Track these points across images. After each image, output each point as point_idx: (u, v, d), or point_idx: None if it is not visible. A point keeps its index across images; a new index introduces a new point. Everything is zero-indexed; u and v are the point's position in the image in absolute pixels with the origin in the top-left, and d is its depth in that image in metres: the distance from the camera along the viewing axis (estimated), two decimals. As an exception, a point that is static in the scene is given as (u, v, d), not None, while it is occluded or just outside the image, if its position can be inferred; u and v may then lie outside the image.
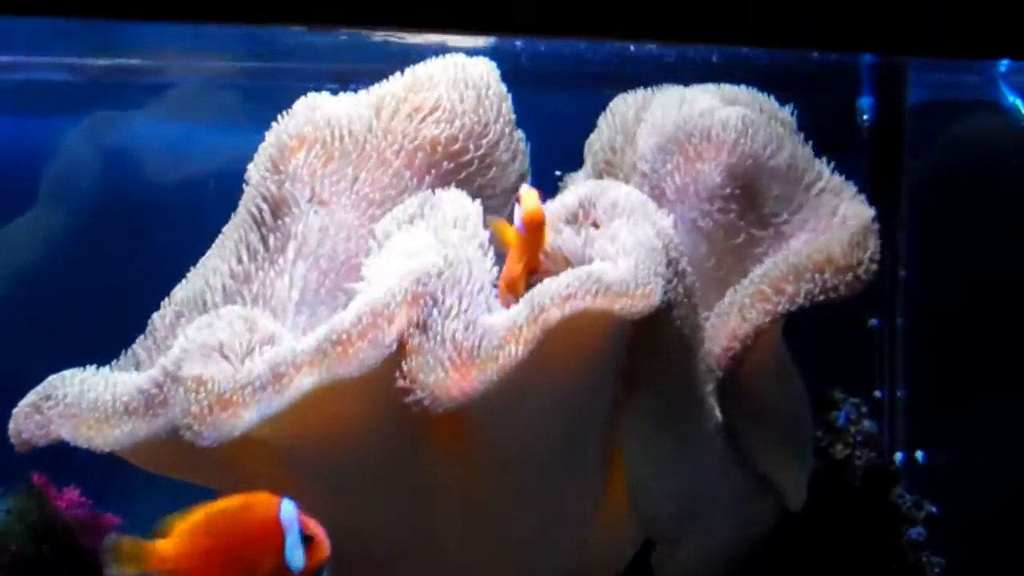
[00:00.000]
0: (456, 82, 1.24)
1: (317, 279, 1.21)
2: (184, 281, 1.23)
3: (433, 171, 1.24)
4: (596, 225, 1.11)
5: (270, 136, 1.24)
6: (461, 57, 1.27)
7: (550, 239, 1.11)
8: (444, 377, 0.99)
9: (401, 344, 1.00)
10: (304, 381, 0.98)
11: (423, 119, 1.24)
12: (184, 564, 0.98)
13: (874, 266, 1.18)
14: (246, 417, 0.98)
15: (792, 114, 1.30)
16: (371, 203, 1.22)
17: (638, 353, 1.11)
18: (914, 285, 1.71)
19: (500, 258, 1.11)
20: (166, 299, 1.23)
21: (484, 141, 1.25)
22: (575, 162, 1.37)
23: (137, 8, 1.19)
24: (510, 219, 1.15)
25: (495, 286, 1.09)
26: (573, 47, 1.47)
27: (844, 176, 1.27)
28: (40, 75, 1.54)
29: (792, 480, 1.27)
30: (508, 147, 1.27)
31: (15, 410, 1.12)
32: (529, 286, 1.05)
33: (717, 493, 1.22)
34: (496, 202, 1.26)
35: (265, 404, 0.98)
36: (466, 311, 1.02)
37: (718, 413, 1.18)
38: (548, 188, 1.24)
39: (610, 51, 1.49)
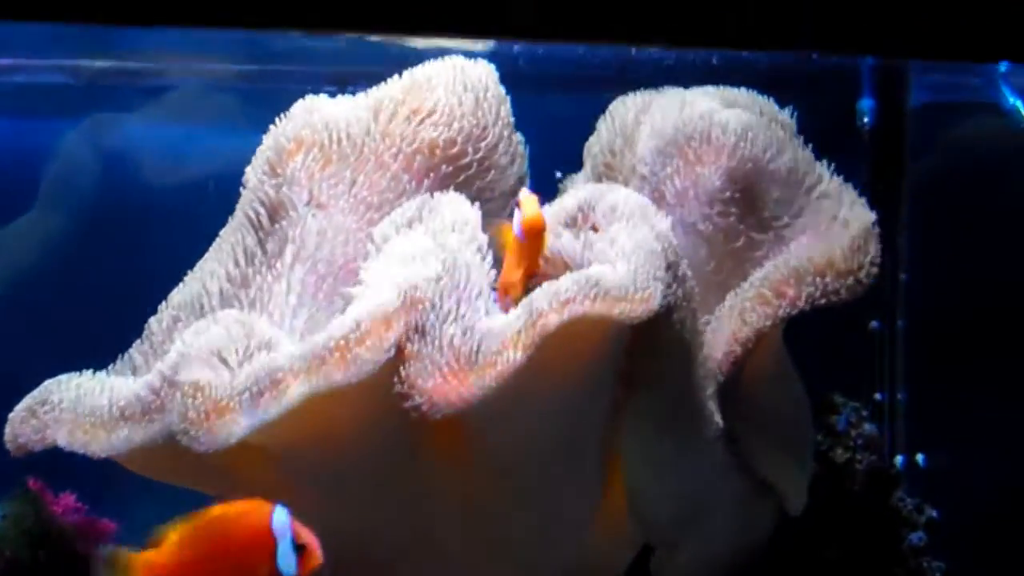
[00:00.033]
0: (454, 85, 1.24)
1: (315, 283, 1.20)
2: (181, 285, 1.23)
3: (431, 174, 1.23)
4: (595, 229, 1.11)
5: (267, 139, 1.24)
6: (460, 59, 1.26)
7: (549, 242, 1.11)
8: (442, 383, 0.99)
9: (399, 349, 1.00)
10: (301, 388, 0.98)
11: (421, 122, 1.24)
12: (177, 574, 0.97)
13: (875, 269, 1.18)
14: (243, 423, 0.97)
15: (792, 116, 1.30)
16: (369, 206, 1.22)
17: (637, 357, 1.11)
18: (915, 287, 1.71)
19: (499, 262, 1.11)
20: (163, 303, 1.22)
21: (483, 144, 1.24)
22: (574, 165, 1.36)
23: (136, 14, 1.19)
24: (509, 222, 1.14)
25: (494, 290, 1.09)
26: (572, 49, 1.47)
27: (844, 178, 1.27)
28: (38, 77, 1.54)
29: (792, 484, 1.27)
30: (507, 150, 1.26)
31: (11, 415, 1.12)
32: (528, 290, 1.05)
33: (716, 497, 1.22)
34: (495, 205, 1.25)
35: (262, 410, 0.98)
36: (464, 316, 1.02)
37: (718, 417, 1.18)
38: (547, 191, 1.23)
39: (609, 54, 1.49)
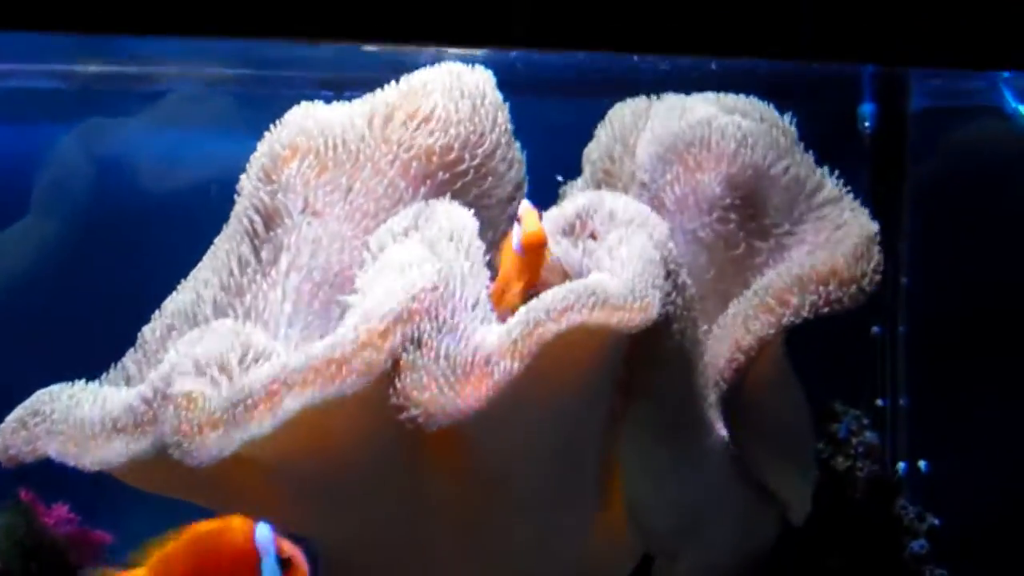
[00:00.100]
0: (451, 91, 1.23)
1: (310, 291, 1.19)
2: (175, 293, 1.22)
3: (428, 181, 1.22)
4: (594, 236, 1.10)
5: (262, 146, 1.23)
6: (457, 65, 1.25)
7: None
8: (438, 394, 0.97)
9: (394, 360, 0.99)
10: (296, 400, 0.96)
11: (418, 128, 1.23)
12: None
13: (877, 277, 1.18)
14: (236, 437, 0.96)
15: (792, 122, 1.29)
16: (365, 214, 1.21)
17: (636, 366, 1.10)
18: (916, 292, 1.71)
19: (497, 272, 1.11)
20: (157, 311, 1.21)
21: (480, 151, 1.23)
22: (573, 171, 1.36)
23: (133, 23, 1.20)
24: (509, 228, 1.14)
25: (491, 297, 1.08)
26: (571, 55, 1.46)
27: (845, 183, 1.27)
28: (31, 83, 1.53)
29: (795, 492, 1.26)
30: (504, 157, 1.25)
31: (2, 425, 1.11)
32: (526, 298, 1.04)
33: (717, 506, 1.21)
34: (492, 212, 1.24)
35: (256, 423, 0.97)
36: (460, 326, 1.01)
37: (719, 426, 1.18)
38: (545, 197, 1.23)
39: (609, 60, 1.48)
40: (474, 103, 1.23)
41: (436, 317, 1.00)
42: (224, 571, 0.97)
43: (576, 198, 1.14)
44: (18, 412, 1.11)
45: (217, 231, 1.24)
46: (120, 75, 1.54)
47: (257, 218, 1.21)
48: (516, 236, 1.09)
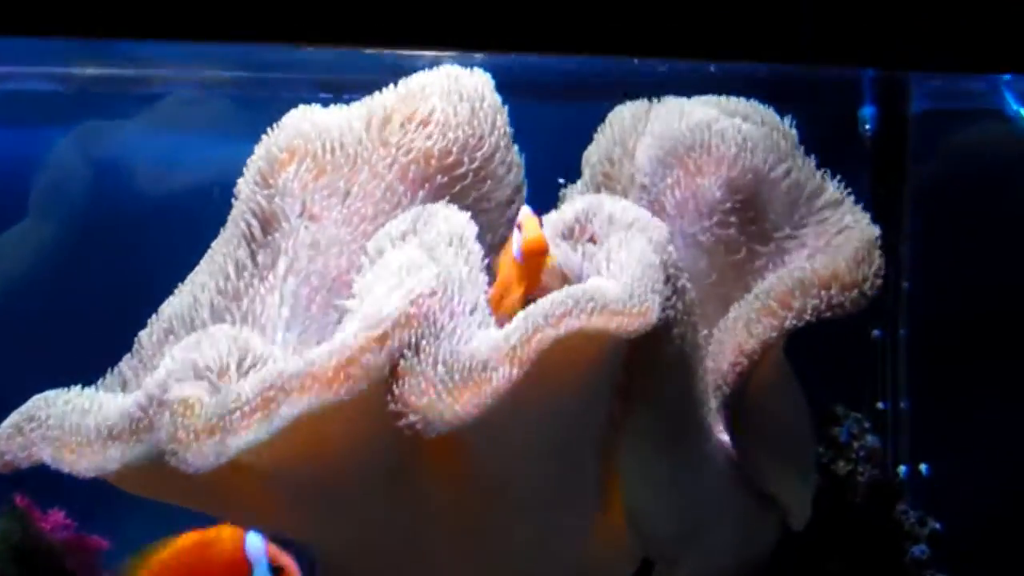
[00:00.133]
0: (450, 94, 1.22)
1: (308, 295, 1.19)
2: (172, 297, 1.22)
3: (427, 185, 1.22)
4: (593, 240, 1.10)
5: (259, 149, 1.23)
6: (455, 68, 1.25)
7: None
8: (437, 400, 0.97)
9: (392, 366, 0.99)
10: (293, 407, 0.96)
11: (416, 132, 1.22)
12: None
13: (879, 281, 1.17)
14: (233, 444, 0.96)
15: (793, 125, 1.29)
16: (363, 218, 1.21)
17: (636, 371, 1.09)
18: (917, 295, 1.71)
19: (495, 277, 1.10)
20: (153, 316, 1.21)
21: (479, 154, 1.23)
22: (571, 175, 1.35)
23: (130, 28, 1.20)
24: (508, 231, 1.13)
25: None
26: (570, 58, 1.45)
27: (846, 186, 1.26)
28: (29, 85, 1.53)
29: (795, 497, 1.26)
30: (503, 160, 1.25)
31: (-2, 430, 1.11)
32: (525, 303, 1.03)
33: (717, 512, 1.21)
34: (491, 216, 1.24)
35: (253, 430, 0.96)
36: (459, 331, 1.00)
37: (718, 431, 1.17)
38: (544, 200, 1.23)
39: (609, 63, 1.47)
40: (473, 106, 1.23)
41: (434, 322, 1.00)
42: None
43: (575, 202, 1.14)
44: (14, 417, 1.10)
45: (215, 234, 1.24)
46: (117, 78, 1.53)
47: (254, 222, 1.20)
48: (516, 243, 1.08)
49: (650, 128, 1.27)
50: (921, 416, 1.70)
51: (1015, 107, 1.67)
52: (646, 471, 1.13)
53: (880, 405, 1.69)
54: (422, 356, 0.98)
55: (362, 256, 1.12)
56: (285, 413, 0.96)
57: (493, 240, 1.21)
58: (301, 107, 1.24)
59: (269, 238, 1.20)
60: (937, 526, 1.45)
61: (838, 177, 1.27)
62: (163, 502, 1.14)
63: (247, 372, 1.03)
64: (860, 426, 1.46)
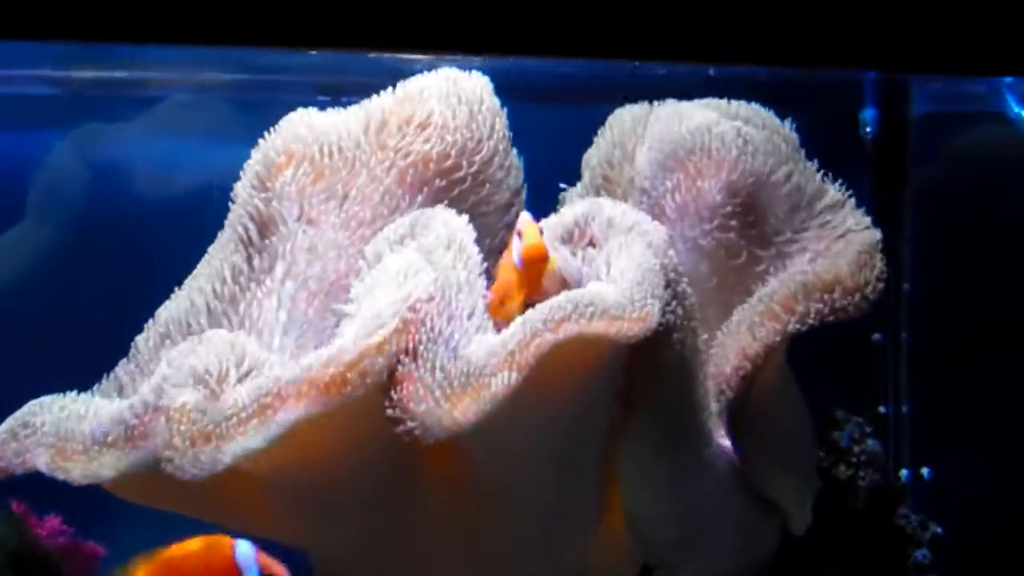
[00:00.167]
0: (448, 97, 1.22)
1: (306, 300, 1.19)
2: (169, 301, 1.21)
3: (425, 188, 1.22)
4: (593, 244, 1.10)
5: (256, 153, 1.22)
6: (453, 71, 1.25)
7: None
8: (435, 406, 0.96)
9: (390, 372, 0.98)
10: (290, 413, 0.96)
11: (414, 135, 1.22)
12: None
13: (881, 285, 1.18)
14: (229, 452, 0.95)
15: (794, 128, 1.29)
16: (361, 222, 1.20)
17: (636, 376, 1.09)
18: (918, 299, 1.71)
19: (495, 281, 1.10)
20: (150, 320, 1.20)
21: (477, 158, 1.23)
22: (571, 178, 1.35)
23: (129, 32, 1.20)
24: (507, 235, 1.13)
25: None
26: (570, 61, 1.45)
27: (847, 189, 1.26)
28: (27, 89, 1.53)
29: (796, 502, 1.26)
30: (502, 164, 1.24)
31: (-8, 437, 1.10)
32: (524, 308, 1.03)
33: (718, 517, 1.21)
34: (490, 219, 1.24)
35: (250, 437, 0.96)
36: (457, 336, 1.00)
37: (718, 436, 1.17)
38: (544, 203, 1.23)
39: (608, 66, 1.47)
40: (471, 109, 1.23)
41: (432, 328, 0.99)
42: None
43: (575, 205, 1.14)
44: (8, 423, 1.10)
45: (212, 238, 1.23)
46: (116, 81, 1.53)
47: (252, 226, 1.20)
48: (516, 250, 1.08)
49: (650, 131, 1.27)
50: (922, 420, 1.70)
51: (1016, 110, 1.67)
52: (646, 476, 1.12)
53: (881, 409, 1.69)
54: (420, 362, 0.98)
55: (360, 260, 1.11)
56: (282, 420, 0.95)
57: (492, 244, 1.21)
58: (299, 110, 1.24)
59: (266, 242, 1.20)
60: (939, 530, 1.45)
61: (839, 180, 1.27)
62: (160, 508, 1.14)
63: (244, 378, 1.03)
64: (861, 430, 1.46)
